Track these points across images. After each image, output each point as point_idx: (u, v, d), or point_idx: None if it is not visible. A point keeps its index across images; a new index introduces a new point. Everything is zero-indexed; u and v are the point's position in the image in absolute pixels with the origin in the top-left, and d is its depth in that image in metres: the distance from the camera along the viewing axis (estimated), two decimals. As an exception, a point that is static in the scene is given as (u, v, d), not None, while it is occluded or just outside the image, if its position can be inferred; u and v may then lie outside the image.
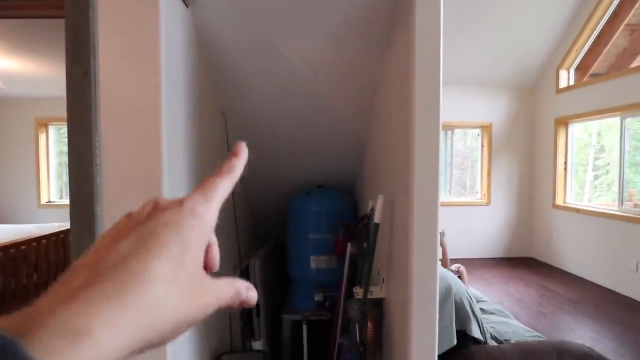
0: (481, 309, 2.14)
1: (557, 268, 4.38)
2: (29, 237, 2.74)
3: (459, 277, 2.36)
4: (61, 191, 5.21)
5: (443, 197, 4.93)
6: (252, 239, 2.30)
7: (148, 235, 0.21)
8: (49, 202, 5.05)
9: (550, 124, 4.56)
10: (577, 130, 4.50)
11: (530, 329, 1.96)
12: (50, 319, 0.16)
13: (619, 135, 3.74)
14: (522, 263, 4.62)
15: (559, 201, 4.44)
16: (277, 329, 1.85)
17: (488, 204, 4.90)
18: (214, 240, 0.26)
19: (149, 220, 0.22)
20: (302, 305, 1.81)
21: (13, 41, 3.05)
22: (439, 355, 0.99)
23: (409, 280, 0.97)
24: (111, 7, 0.88)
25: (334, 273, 1.76)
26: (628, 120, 3.67)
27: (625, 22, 3.70)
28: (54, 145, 5.13)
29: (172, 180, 0.96)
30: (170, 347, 0.92)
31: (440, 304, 0.98)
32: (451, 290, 1.56)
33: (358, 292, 1.27)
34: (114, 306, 0.17)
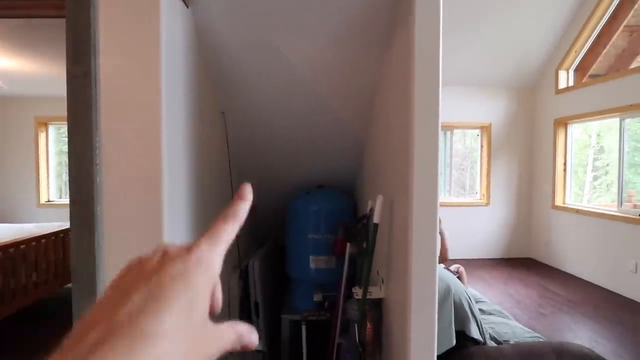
0: (480, 309, 2.14)
1: (556, 269, 4.39)
2: (29, 237, 2.74)
3: (458, 277, 2.36)
4: (61, 190, 5.21)
5: (442, 198, 4.93)
6: (252, 238, 2.30)
7: (158, 289, 0.21)
8: (49, 201, 5.04)
9: (549, 124, 4.56)
10: (577, 131, 4.50)
11: (529, 330, 1.96)
12: None
13: (618, 136, 3.75)
14: (522, 264, 4.62)
15: (559, 202, 4.44)
16: (276, 329, 1.85)
17: (487, 204, 4.90)
18: (218, 281, 0.26)
19: (159, 272, 0.22)
20: (301, 305, 1.81)
21: (13, 41, 3.05)
22: (438, 356, 1.00)
23: (408, 280, 0.97)
24: (112, 7, 0.88)
25: (333, 273, 1.76)
26: (627, 121, 3.68)
27: (625, 23, 3.71)
28: (53, 145, 5.13)
29: (172, 180, 0.96)
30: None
31: (439, 304, 0.98)
32: (450, 290, 1.56)
33: (357, 292, 1.27)
34: None
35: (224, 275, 1.55)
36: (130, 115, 0.89)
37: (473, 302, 1.66)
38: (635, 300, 3.37)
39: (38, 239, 2.80)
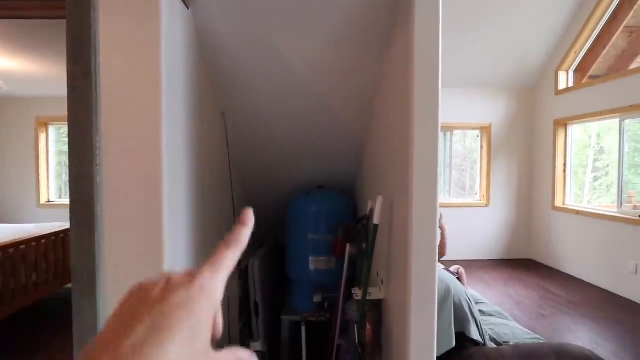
0: (480, 310, 2.14)
1: (556, 270, 4.38)
2: (29, 237, 2.74)
3: (458, 278, 2.36)
4: (61, 191, 5.21)
5: (442, 198, 4.93)
6: (252, 238, 2.29)
7: (161, 319, 0.22)
8: (49, 201, 5.05)
9: (549, 125, 4.56)
10: (577, 131, 4.50)
11: (529, 331, 1.96)
12: None
13: (618, 136, 3.75)
14: (522, 265, 4.62)
15: (559, 203, 4.44)
16: (276, 329, 1.85)
17: (487, 205, 4.90)
18: (219, 308, 0.27)
19: (162, 302, 0.23)
20: (301, 306, 1.81)
21: (14, 41, 3.05)
22: (437, 357, 0.99)
23: (407, 281, 0.97)
24: (112, 8, 0.88)
25: (333, 274, 1.76)
26: (627, 121, 3.68)
27: (624, 24, 3.71)
28: (53, 145, 5.13)
29: (172, 180, 0.96)
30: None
31: (439, 305, 0.98)
32: (450, 291, 1.56)
33: (357, 293, 1.27)
34: None
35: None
36: (131, 116, 0.89)
37: (473, 303, 1.66)
38: (636, 301, 3.36)
39: (38, 239, 2.80)
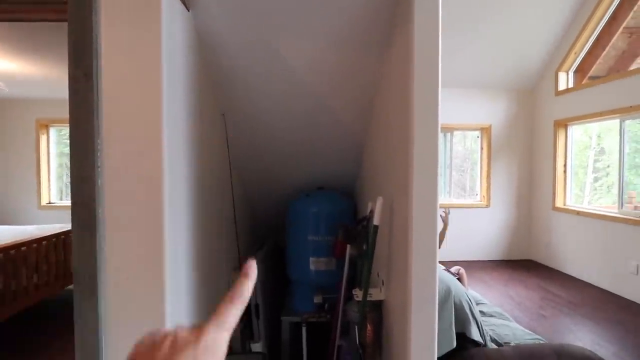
0: (481, 311, 2.14)
1: (557, 270, 4.38)
2: (30, 239, 2.74)
3: (458, 279, 2.36)
4: (61, 192, 5.22)
5: (442, 199, 4.93)
6: (252, 239, 2.30)
7: None
8: (49, 203, 5.05)
9: (549, 126, 4.56)
10: (577, 132, 4.50)
11: (530, 332, 1.96)
12: None
13: (618, 137, 3.75)
14: (522, 265, 4.61)
15: (559, 203, 4.44)
16: (277, 330, 1.85)
17: (487, 206, 4.90)
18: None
19: None
20: (302, 307, 1.81)
21: (14, 43, 3.06)
22: (438, 358, 1.00)
23: (408, 282, 0.97)
24: (113, 11, 0.88)
25: (333, 275, 1.76)
26: (627, 122, 3.68)
27: (624, 24, 3.71)
28: (54, 147, 5.14)
29: (173, 181, 0.97)
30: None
31: (439, 306, 0.98)
32: (450, 292, 1.56)
33: (357, 294, 1.28)
34: None
35: (226, 276, 1.55)
36: (132, 118, 0.89)
37: (473, 304, 1.66)
38: (636, 301, 3.36)
39: (39, 240, 2.81)
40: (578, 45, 4.07)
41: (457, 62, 4.31)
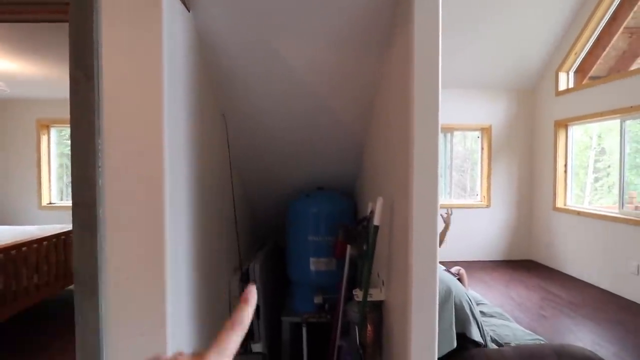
0: (481, 311, 2.13)
1: (557, 271, 4.38)
2: (30, 239, 2.75)
3: (459, 279, 2.36)
4: (62, 193, 5.22)
5: (443, 199, 4.93)
6: (252, 239, 2.30)
7: None
8: (50, 203, 5.06)
9: (549, 126, 4.56)
10: (577, 132, 4.50)
11: (530, 332, 1.95)
12: None
13: (619, 137, 3.75)
14: (522, 266, 4.61)
15: (559, 204, 4.44)
16: (277, 331, 1.85)
17: (488, 206, 4.90)
18: None
19: None
20: (302, 308, 1.81)
21: (15, 44, 3.07)
22: (438, 358, 1.00)
23: (408, 282, 0.97)
24: (114, 12, 0.89)
25: (333, 275, 1.76)
26: (628, 122, 3.68)
27: (624, 24, 3.71)
28: (55, 147, 5.15)
29: (173, 181, 0.97)
30: (170, 350, 0.92)
31: (440, 306, 0.98)
32: (451, 292, 1.56)
33: (358, 294, 1.28)
34: None
35: (226, 276, 1.55)
36: (132, 118, 0.89)
37: (474, 304, 1.66)
38: (637, 302, 3.36)
39: (39, 241, 2.81)
40: (578, 45, 4.06)
41: (457, 62, 4.31)
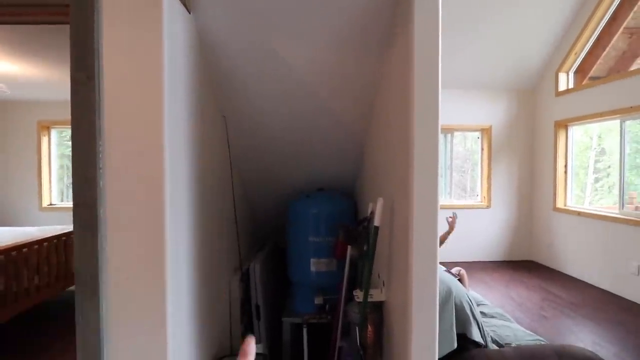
0: (482, 312, 2.13)
1: (558, 271, 4.37)
2: (31, 240, 2.75)
3: (459, 280, 2.36)
4: (62, 194, 5.23)
5: (443, 200, 4.93)
6: (252, 239, 2.30)
7: None
8: (51, 204, 5.06)
9: (550, 126, 4.56)
10: (578, 133, 4.50)
11: (531, 333, 1.95)
12: None
13: (619, 138, 3.75)
14: (523, 266, 4.61)
15: (560, 204, 4.43)
16: (278, 332, 1.85)
17: (488, 206, 4.90)
18: None
19: None
20: (302, 309, 1.81)
21: (16, 46, 3.07)
22: (439, 359, 0.99)
23: (409, 282, 0.97)
24: (115, 13, 0.89)
25: (334, 276, 1.76)
26: (628, 122, 3.68)
27: (624, 25, 3.72)
28: (55, 148, 5.15)
29: (174, 182, 0.97)
30: (170, 350, 0.92)
31: (440, 307, 0.99)
32: (451, 293, 1.56)
33: (358, 295, 1.28)
34: None
35: (227, 276, 1.55)
36: (133, 119, 0.90)
37: (474, 304, 1.66)
38: (637, 302, 3.35)
39: (40, 242, 2.81)
40: (578, 45, 4.07)
41: (457, 62, 4.32)
